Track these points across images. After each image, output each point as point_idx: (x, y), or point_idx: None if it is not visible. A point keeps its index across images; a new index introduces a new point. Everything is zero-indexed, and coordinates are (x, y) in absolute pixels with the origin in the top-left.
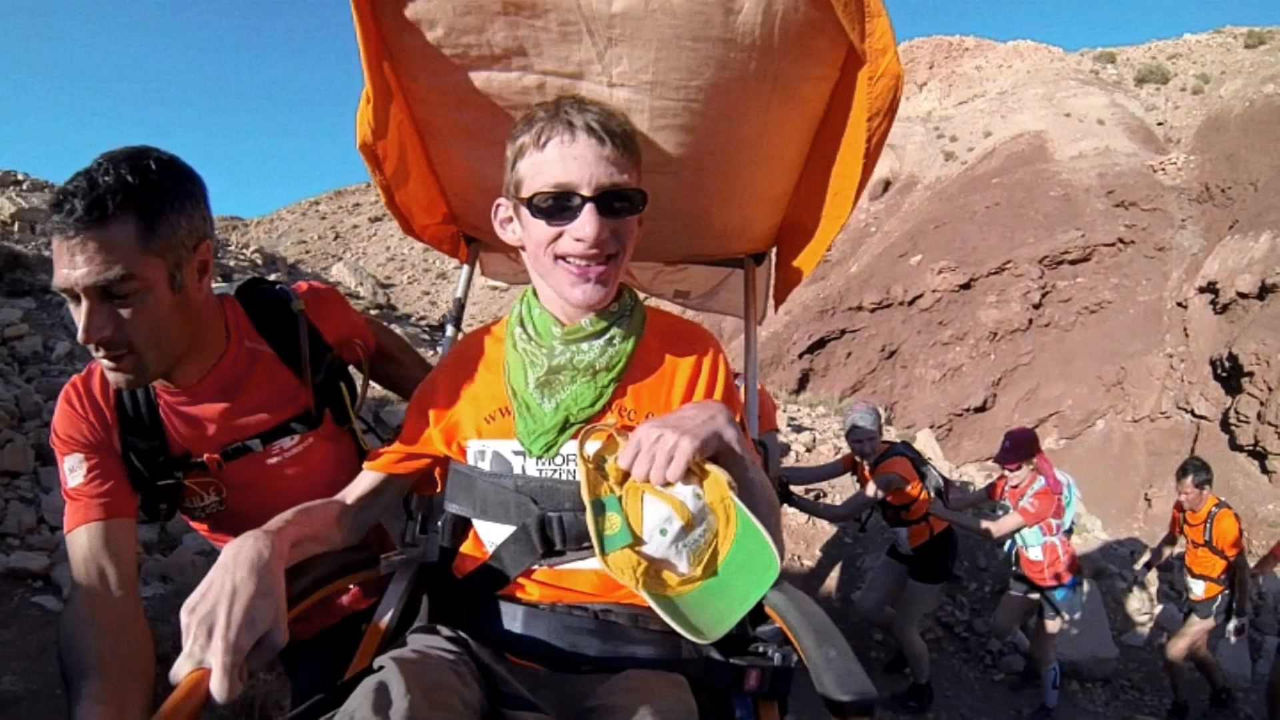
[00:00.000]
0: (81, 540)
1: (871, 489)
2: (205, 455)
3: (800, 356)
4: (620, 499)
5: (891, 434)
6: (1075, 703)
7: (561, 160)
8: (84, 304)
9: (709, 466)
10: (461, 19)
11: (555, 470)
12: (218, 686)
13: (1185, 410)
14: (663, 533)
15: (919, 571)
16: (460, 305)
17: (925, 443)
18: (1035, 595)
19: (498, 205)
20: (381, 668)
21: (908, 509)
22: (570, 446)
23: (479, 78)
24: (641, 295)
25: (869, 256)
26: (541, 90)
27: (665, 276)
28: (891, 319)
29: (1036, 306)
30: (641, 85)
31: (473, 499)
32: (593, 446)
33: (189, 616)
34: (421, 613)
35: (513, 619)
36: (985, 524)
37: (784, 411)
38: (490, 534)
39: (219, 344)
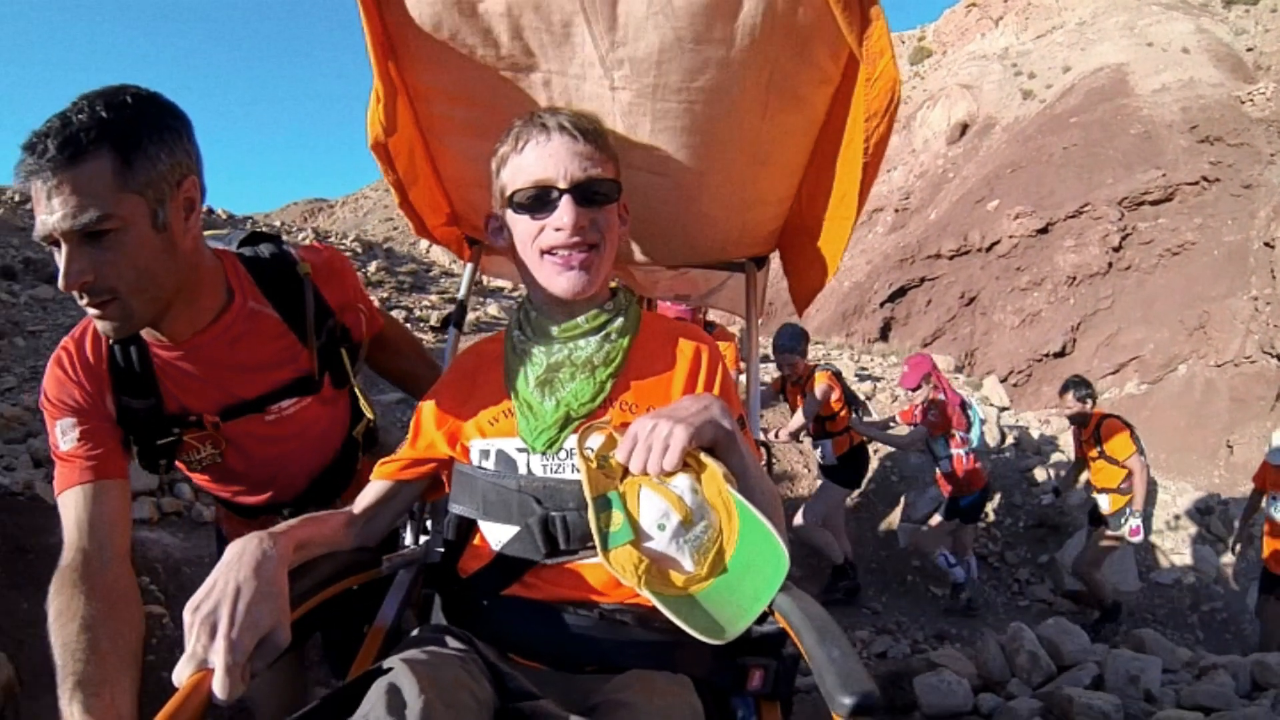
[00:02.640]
0: (73, 503)
1: (809, 404)
2: (204, 416)
3: (881, 305)
4: (622, 496)
5: (959, 381)
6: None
7: (538, 159)
8: (63, 249)
9: (705, 459)
10: (466, 21)
11: (559, 466)
12: (220, 686)
13: (1270, 355)
14: (661, 528)
15: (837, 476)
16: (462, 306)
17: (992, 390)
18: (954, 518)
19: (489, 217)
20: (390, 669)
21: (833, 419)
22: (573, 442)
23: (482, 78)
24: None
25: (947, 203)
26: (548, 87)
27: (666, 281)
28: (970, 266)
29: (1116, 249)
30: (644, 88)
31: (475, 500)
32: (595, 441)
33: (192, 615)
34: (425, 614)
35: (517, 618)
36: (895, 434)
37: (856, 360)
38: (494, 534)
39: (216, 298)
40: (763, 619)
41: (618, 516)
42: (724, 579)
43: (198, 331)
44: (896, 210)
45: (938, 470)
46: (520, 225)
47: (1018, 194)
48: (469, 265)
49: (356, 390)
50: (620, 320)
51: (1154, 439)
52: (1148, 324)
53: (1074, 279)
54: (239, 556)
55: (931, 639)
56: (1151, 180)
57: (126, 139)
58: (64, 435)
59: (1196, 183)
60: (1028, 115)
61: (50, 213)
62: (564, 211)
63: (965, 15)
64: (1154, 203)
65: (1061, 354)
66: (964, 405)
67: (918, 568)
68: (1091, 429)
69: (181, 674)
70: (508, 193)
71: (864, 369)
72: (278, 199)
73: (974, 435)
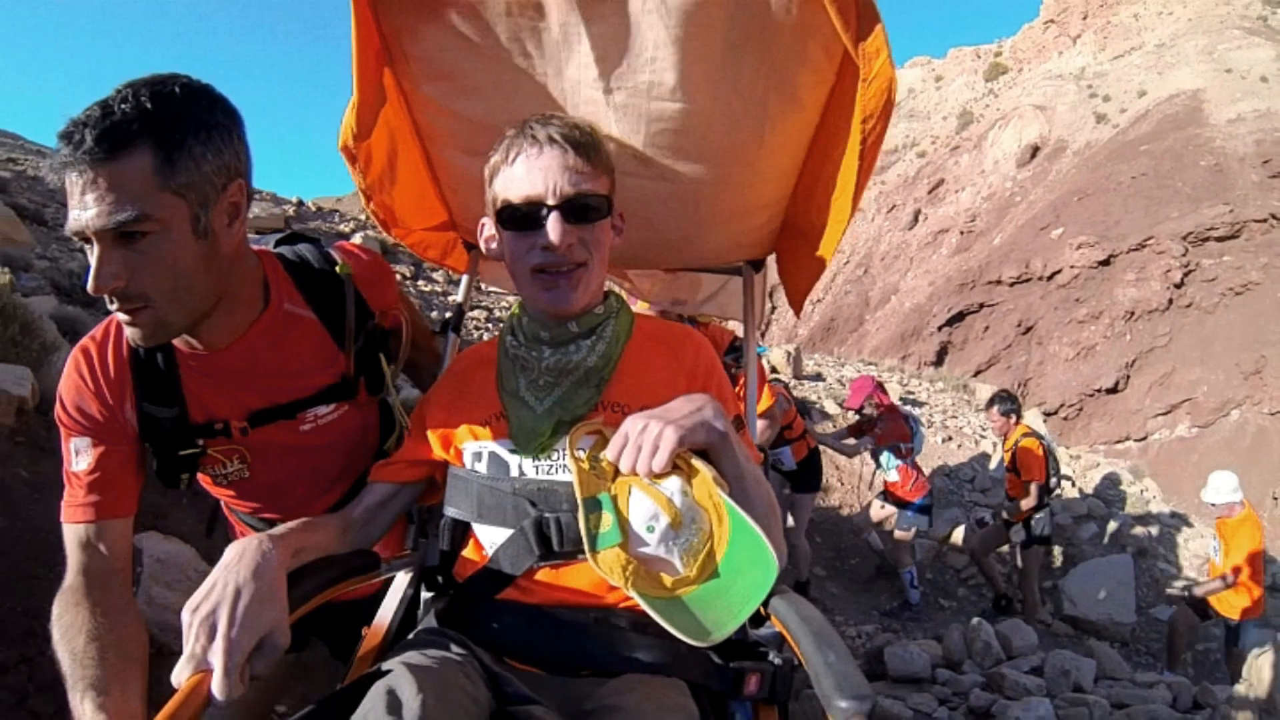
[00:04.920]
0: (76, 535)
1: (769, 418)
2: (231, 422)
3: (939, 329)
4: (613, 497)
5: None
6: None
7: (528, 173)
8: (95, 248)
9: (696, 463)
10: (464, 23)
11: (552, 467)
12: (219, 686)
13: None
14: (650, 530)
15: (801, 484)
16: (460, 312)
17: (1032, 421)
18: (892, 508)
19: (482, 224)
20: (389, 671)
21: (790, 427)
22: (565, 443)
23: (479, 84)
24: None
25: (1012, 228)
26: (543, 91)
27: (664, 284)
28: (1030, 294)
29: (1178, 286)
30: (639, 88)
31: (470, 503)
32: (586, 443)
33: (191, 616)
34: (421, 617)
35: (512, 622)
36: (844, 443)
37: (904, 385)
38: (489, 537)
39: (255, 303)
40: (760, 623)
41: (607, 518)
42: (713, 582)
43: (236, 338)
44: (962, 232)
45: (886, 479)
46: (509, 240)
47: (1082, 222)
48: (466, 272)
49: (391, 400)
50: (612, 323)
51: (1200, 484)
52: (1204, 365)
53: (1132, 314)
54: (239, 558)
55: (932, 639)
56: (1218, 215)
57: (170, 135)
58: (76, 455)
59: (1265, 220)
60: (1099, 140)
61: (84, 208)
62: (551, 229)
63: (1043, 32)
64: (1220, 239)
65: (1114, 390)
66: (906, 419)
67: (930, 580)
68: (1011, 443)
69: (180, 675)
70: (498, 206)
71: (910, 393)
72: (346, 184)
73: (918, 446)
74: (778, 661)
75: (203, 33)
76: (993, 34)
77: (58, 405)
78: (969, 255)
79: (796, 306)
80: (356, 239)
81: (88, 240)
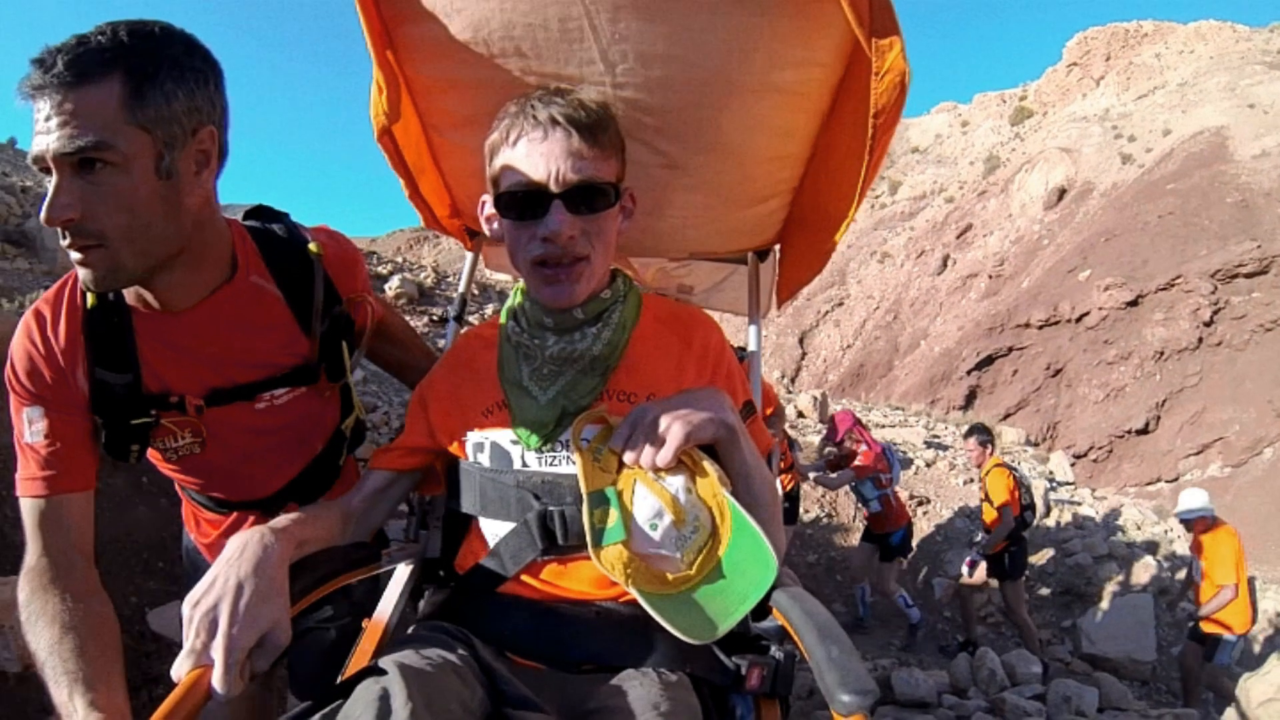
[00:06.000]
0: (33, 509)
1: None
2: (187, 398)
3: (968, 373)
4: (619, 492)
5: (1028, 454)
6: (1096, 683)
7: (529, 157)
8: (54, 177)
9: (705, 464)
10: (458, 14)
11: (555, 459)
12: (219, 681)
13: None
14: (653, 527)
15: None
16: (463, 299)
17: (1058, 465)
18: (875, 545)
19: (483, 202)
20: (384, 671)
21: (780, 459)
22: (569, 434)
23: (479, 74)
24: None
25: (1040, 271)
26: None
27: (669, 272)
28: (1059, 337)
29: (1207, 324)
30: (648, 83)
31: (474, 495)
32: (590, 432)
33: (191, 610)
34: (422, 610)
35: (514, 616)
36: (827, 476)
37: (930, 429)
38: (492, 529)
39: (220, 268)
40: (762, 616)
41: (613, 514)
42: (713, 581)
43: (196, 302)
44: (990, 276)
45: (865, 510)
46: (509, 228)
47: (1110, 264)
48: (469, 257)
49: (350, 384)
50: (619, 309)
51: (1234, 524)
52: (1235, 403)
53: (1162, 354)
54: (240, 552)
55: (941, 670)
56: (1246, 252)
57: (142, 68)
58: (30, 426)
59: None
60: (1126, 181)
61: (47, 133)
62: (553, 219)
63: (1066, 74)
64: (1248, 275)
65: (1145, 431)
66: (885, 451)
67: (948, 618)
68: (984, 472)
69: (180, 669)
70: (498, 189)
71: (935, 436)
72: (383, 226)
73: (896, 476)
74: (779, 655)
75: (241, 80)
76: (1017, 78)
77: (8, 370)
78: (997, 299)
79: (783, 299)
80: (394, 281)
81: (47, 169)
